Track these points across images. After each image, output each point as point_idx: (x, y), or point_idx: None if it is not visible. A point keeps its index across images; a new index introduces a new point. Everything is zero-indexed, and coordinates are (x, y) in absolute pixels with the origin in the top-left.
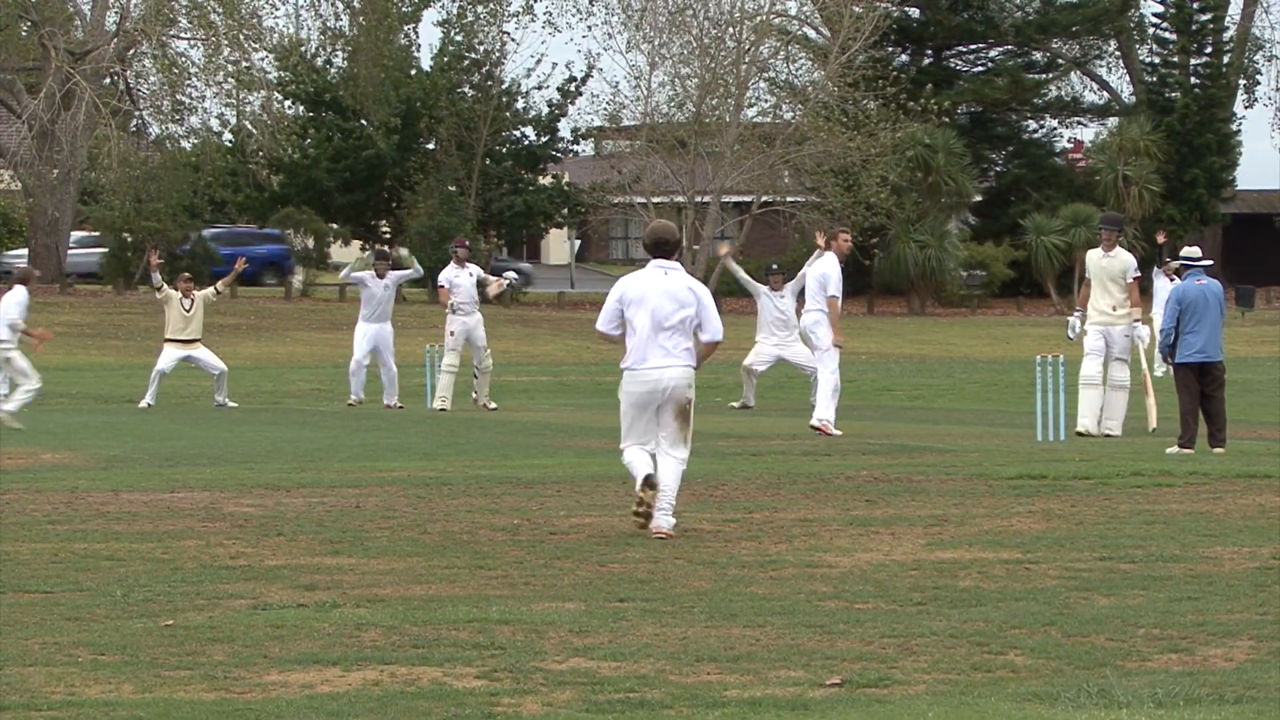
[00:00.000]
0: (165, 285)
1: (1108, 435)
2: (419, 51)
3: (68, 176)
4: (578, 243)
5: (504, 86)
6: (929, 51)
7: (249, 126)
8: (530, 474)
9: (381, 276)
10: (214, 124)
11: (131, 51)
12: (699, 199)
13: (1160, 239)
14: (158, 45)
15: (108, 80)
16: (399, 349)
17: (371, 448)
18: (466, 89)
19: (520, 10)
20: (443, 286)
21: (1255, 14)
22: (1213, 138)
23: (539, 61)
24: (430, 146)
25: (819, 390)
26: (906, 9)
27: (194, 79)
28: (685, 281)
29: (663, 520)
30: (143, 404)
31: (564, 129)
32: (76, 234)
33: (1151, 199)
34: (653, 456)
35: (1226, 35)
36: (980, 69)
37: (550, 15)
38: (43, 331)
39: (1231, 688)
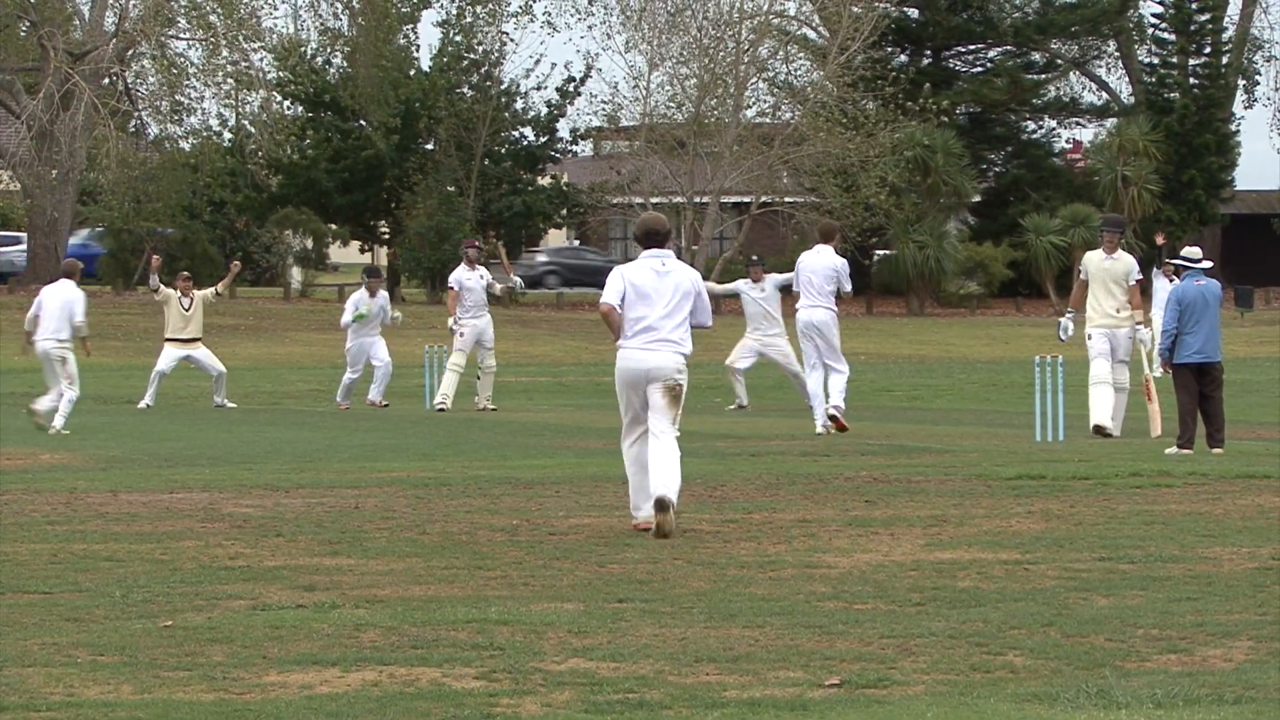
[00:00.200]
0: (162, 286)
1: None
2: (418, 52)
3: (66, 177)
4: (576, 243)
5: (503, 87)
6: (928, 52)
7: (248, 127)
8: (529, 474)
9: (373, 295)
10: (213, 124)
11: (130, 52)
12: (698, 199)
13: (1159, 240)
14: (156, 46)
15: (107, 81)
16: (399, 349)
17: (370, 448)
18: (465, 89)
19: (519, 11)
20: (451, 288)
21: (1254, 14)
22: (1211, 138)
23: (538, 62)
24: (429, 147)
25: (833, 382)
26: (905, 9)
27: (193, 79)
28: (683, 269)
29: (666, 491)
30: (142, 405)
31: (563, 129)
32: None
33: (1150, 199)
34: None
35: (1225, 35)
36: (979, 69)
37: (549, 15)
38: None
39: (1230, 688)
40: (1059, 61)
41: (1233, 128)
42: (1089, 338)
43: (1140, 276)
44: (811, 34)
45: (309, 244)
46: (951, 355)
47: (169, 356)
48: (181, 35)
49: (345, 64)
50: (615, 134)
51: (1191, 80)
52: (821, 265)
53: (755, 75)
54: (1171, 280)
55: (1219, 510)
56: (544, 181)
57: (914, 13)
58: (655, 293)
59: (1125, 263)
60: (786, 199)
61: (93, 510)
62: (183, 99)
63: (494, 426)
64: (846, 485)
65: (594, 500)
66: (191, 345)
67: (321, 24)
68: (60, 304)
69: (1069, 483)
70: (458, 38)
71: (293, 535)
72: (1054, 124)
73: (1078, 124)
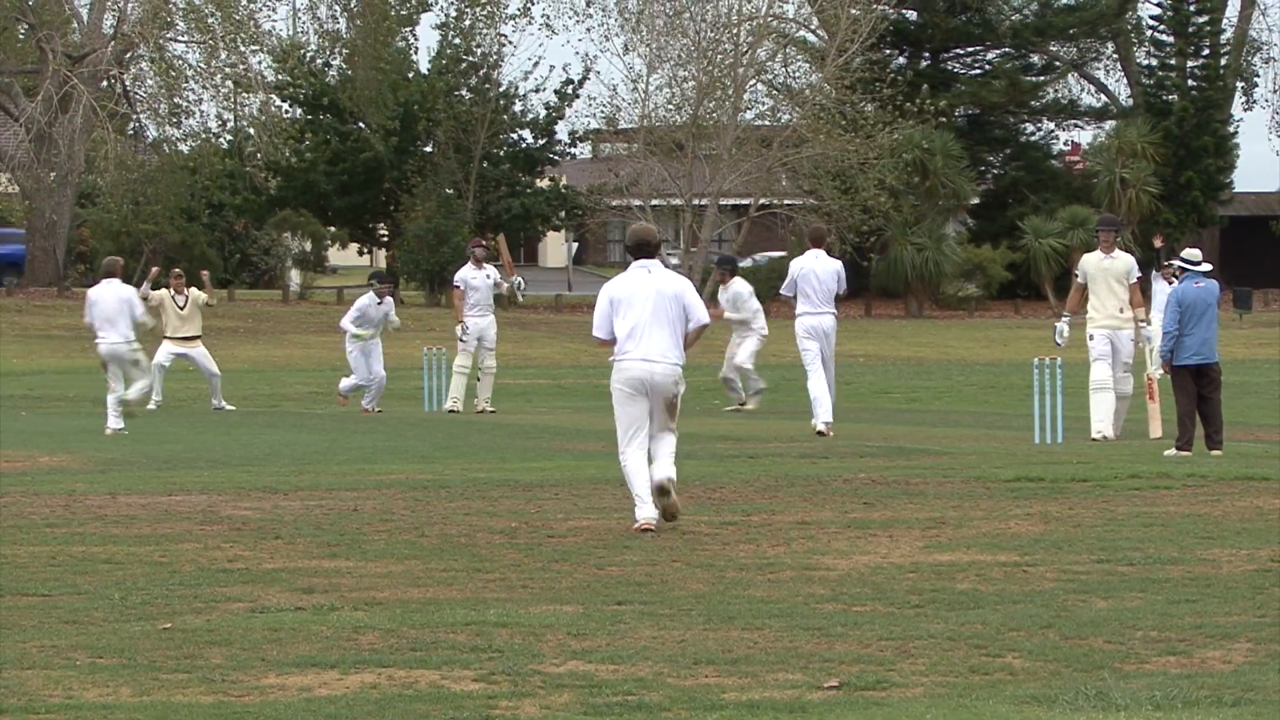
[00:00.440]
0: (153, 292)
1: (1104, 438)
2: (416, 54)
3: (65, 179)
4: (575, 245)
5: (501, 89)
6: (926, 54)
7: (247, 129)
8: (528, 477)
9: (380, 298)
10: (211, 127)
11: (129, 54)
12: (696, 201)
13: (1157, 243)
14: (155, 48)
15: (105, 83)
16: (398, 352)
17: (369, 451)
18: (464, 92)
19: (517, 13)
20: (457, 287)
21: (1253, 16)
22: (1210, 140)
23: (536, 64)
24: (428, 149)
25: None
26: (904, 11)
27: (191, 82)
28: (670, 277)
29: (668, 474)
30: (150, 405)
31: (561, 132)
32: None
33: (1149, 201)
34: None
35: (1224, 37)
36: (978, 71)
37: (548, 18)
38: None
39: (1229, 690)
40: (1057, 63)
41: (1231, 130)
42: (1090, 339)
43: (1140, 274)
44: (810, 36)
45: (307, 246)
46: (950, 357)
47: (165, 350)
48: (180, 38)
49: (344, 66)
50: (614, 136)
51: (1190, 82)
52: (825, 271)
53: (754, 77)
54: (1171, 283)
55: (1218, 512)
56: (542, 184)
57: (912, 15)
58: (642, 297)
59: (1125, 261)
60: (785, 201)
61: (92, 513)
62: (181, 101)
63: (492, 429)
64: (845, 487)
65: (592, 503)
66: (190, 344)
67: (320, 26)
68: (116, 303)
69: (1068, 485)
70: (456, 40)
71: (291, 538)
72: (1052, 126)
73: (1076, 126)
